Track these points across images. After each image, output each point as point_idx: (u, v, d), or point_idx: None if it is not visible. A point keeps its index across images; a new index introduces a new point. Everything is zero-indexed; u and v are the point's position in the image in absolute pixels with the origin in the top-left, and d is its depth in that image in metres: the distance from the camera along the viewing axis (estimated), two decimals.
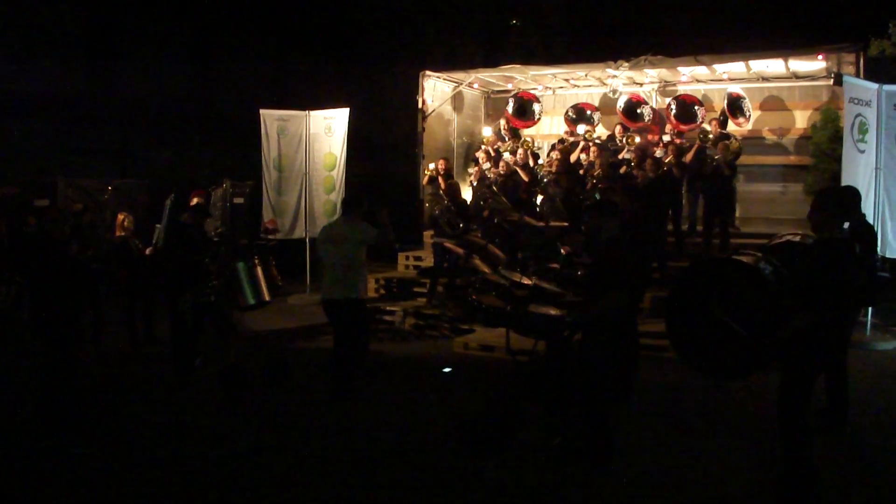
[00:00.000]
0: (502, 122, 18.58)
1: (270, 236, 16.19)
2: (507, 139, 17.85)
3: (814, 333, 6.23)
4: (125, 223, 12.69)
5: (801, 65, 15.90)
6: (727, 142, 15.14)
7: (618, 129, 17.22)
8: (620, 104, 17.55)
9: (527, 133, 18.57)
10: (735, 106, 16.41)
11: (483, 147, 17.56)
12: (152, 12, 26.00)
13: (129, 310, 12.77)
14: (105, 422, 8.99)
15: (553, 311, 9.15)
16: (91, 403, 9.57)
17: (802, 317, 6.15)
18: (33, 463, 7.66)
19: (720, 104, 16.79)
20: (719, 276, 6.85)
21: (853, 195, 8.39)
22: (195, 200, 12.75)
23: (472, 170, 17.58)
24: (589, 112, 18.39)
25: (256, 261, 10.93)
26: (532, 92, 18.86)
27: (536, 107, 18.74)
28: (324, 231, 10.01)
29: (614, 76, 17.06)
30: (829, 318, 6.21)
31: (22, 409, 9.00)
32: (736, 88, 16.68)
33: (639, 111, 17.59)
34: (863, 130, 12.68)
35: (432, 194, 16.50)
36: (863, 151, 12.68)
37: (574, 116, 18.29)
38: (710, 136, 15.45)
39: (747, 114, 16.51)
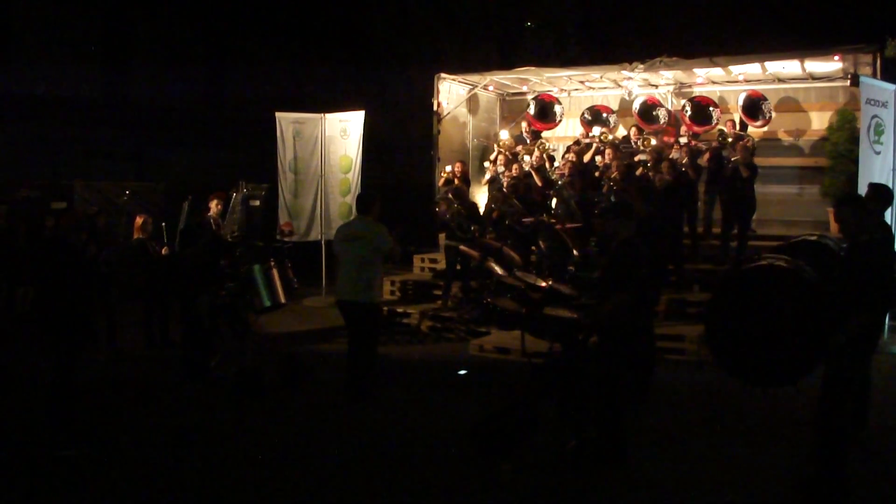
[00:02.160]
0: (524, 124, 18.54)
1: (286, 239, 16.23)
2: (528, 141, 17.81)
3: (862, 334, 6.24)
4: (144, 226, 12.72)
5: (817, 66, 15.81)
6: (744, 142, 15.10)
7: (633, 130, 17.18)
8: (636, 106, 17.51)
9: (544, 135, 18.52)
10: (752, 107, 16.34)
11: (500, 150, 17.48)
12: (168, 16, 26.12)
13: (146, 312, 12.82)
14: (117, 423, 9.03)
15: (568, 314, 9.15)
16: (103, 405, 9.62)
17: (861, 316, 6.14)
18: (38, 466, 7.70)
19: (736, 105, 16.70)
20: (760, 283, 6.79)
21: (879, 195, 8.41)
22: (214, 202, 12.78)
23: (488, 170, 17.53)
24: (605, 115, 18.35)
25: (272, 263, 10.97)
26: (553, 94, 18.85)
27: (558, 108, 18.67)
28: (340, 230, 10.08)
29: (629, 78, 17.00)
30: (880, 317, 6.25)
31: (35, 413, 9.02)
32: (753, 88, 16.62)
33: (654, 113, 17.56)
34: (879, 132, 12.64)
35: (442, 198, 16.48)
36: (879, 153, 12.63)
37: (590, 118, 18.25)
38: (729, 138, 15.38)
39: (766, 115, 16.38)
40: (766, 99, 16.36)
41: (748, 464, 7.53)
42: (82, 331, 8.81)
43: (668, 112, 17.49)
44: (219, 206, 12.90)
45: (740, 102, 16.37)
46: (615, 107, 18.47)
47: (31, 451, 8.07)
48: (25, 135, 21.75)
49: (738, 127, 16.00)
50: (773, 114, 16.38)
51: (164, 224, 12.82)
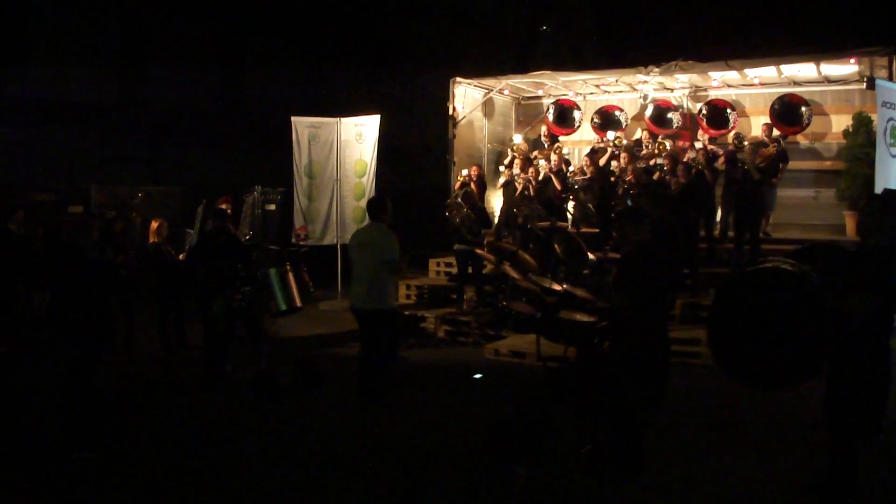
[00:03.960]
0: (542, 128, 18.54)
1: (302, 242, 16.28)
2: (546, 146, 17.82)
3: (864, 337, 6.22)
4: (159, 230, 12.78)
5: (833, 69, 15.77)
6: (762, 148, 15.05)
7: (644, 134, 17.16)
8: (649, 111, 17.51)
9: (561, 140, 18.53)
10: (789, 111, 16.27)
11: (515, 154, 17.47)
12: (184, 20, 26.20)
13: (162, 315, 12.86)
14: (134, 426, 9.07)
15: (584, 317, 9.15)
16: (120, 408, 9.66)
17: (871, 298, 6.14)
18: (56, 468, 7.75)
19: (765, 108, 16.69)
20: (766, 285, 6.79)
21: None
22: (223, 206, 12.82)
23: (503, 174, 17.56)
24: (616, 113, 18.34)
25: (288, 267, 11.01)
26: (571, 99, 18.85)
27: (577, 114, 18.72)
28: (354, 236, 10.05)
29: (645, 82, 17.01)
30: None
31: (52, 415, 9.06)
32: (792, 92, 16.64)
33: (668, 116, 17.54)
34: (894, 135, 12.58)
35: (450, 204, 16.48)
36: (895, 156, 12.58)
37: (599, 122, 18.25)
38: (745, 141, 15.34)
39: (804, 121, 16.30)
40: (807, 104, 16.27)
41: (763, 468, 7.52)
42: (96, 334, 8.83)
43: (682, 115, 17.48)
44: (228, 211, 12.95)
45: (775, 107, 16.31)
46: (631, 111, 18.48)
47: (49, 453, 8.12)
48: (42, 139, 21.84)
49: (772, 132, 15.94)
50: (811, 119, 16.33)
51: (190, 231, 12.86)
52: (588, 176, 15.85)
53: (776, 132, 16.10)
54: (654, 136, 16.86)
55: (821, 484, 6.55)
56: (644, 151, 16.58)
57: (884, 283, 6.24)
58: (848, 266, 6.55)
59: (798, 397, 8.54)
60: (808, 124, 16.34)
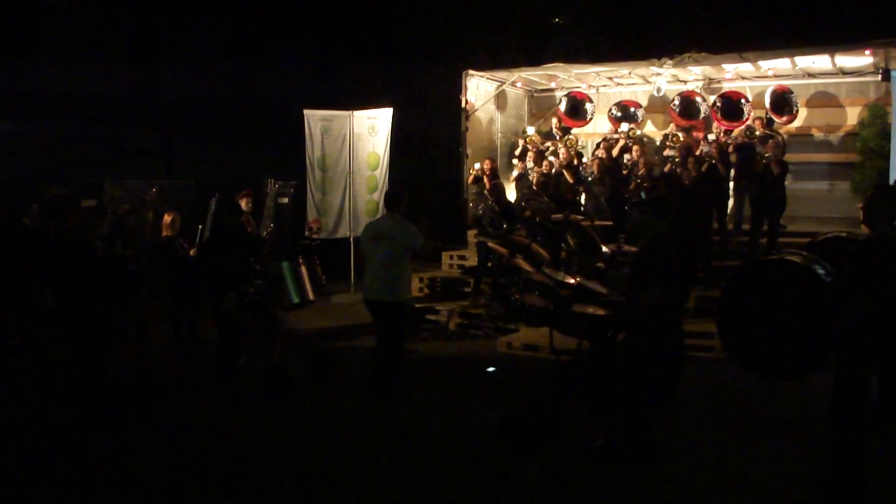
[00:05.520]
0: (554, 120, 18.51)
1: (315, 236, 16.29)
2: (557, 138, 17.79)
3: (870, 328, 6.16)
4: (172, 223, 12.79)
5: (847, 60, 15.66)
6: (774, 140, 14.97)
7: (672, 127, 17.09)
8: (676, 104, 17.39)
9: (573, 132, 18.48)
10: (780, 102, 16.22)
11: (530, 148, 17.47)
12: (197, 13, 26.23)
13: (175, 309, 12.89)
14: (149, 419, 9.09)
15: (597, 311, 9.13)
16: (135, 401, 9.68)
17: (864, 302, 6.08)
18: (74, 460, 7.77)
19: (762, 102, 16.59)
20: (772, 277, 6.77)
21: None
22: (244, 200, 12.84)
23: (516, 167, 17.56)
24: (633, 109, 18.28)
25: (301, 260, 11.02)
26: (584, 91, 18.80)
27: (589, 106, 18.65)
28: (368, 228, 10.02)
29: (658, 74, 16.93)
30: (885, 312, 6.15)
31: (71, 408, 9.08)
32: (782, 83, 16.50)
33: (696, 106, 17.40)
34: None
35: (476, 194, 16.49)
36: None
37: (618, 114, 18.19)
38: (757, 133, 15.27)
39: (794, 110, 16.26)
40: (791, 92, 16.22)
41: (775, 462, 7.49)
42: (105, 329, 8.83)
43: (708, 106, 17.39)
44: (249, 205, 12.97)
45: (767, 99, 16.25)
46: (644, 103, 18.42)
47: (64, 445, 8.14)
48: (56, 133, 21.91)
49: (765, 124, 15.88)
50: (801, 109, 16.26)
51: (200, 227, 12.86)
52: (598, 169, 15.81)
53: (779, 123, 16.07)
54: (679, 128, 16.82)
55: (832, 478, 6.50)
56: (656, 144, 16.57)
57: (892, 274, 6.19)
58: (857, 256, 6.51)
59: (811, 391, 8.49)
60: (797, 112, 16.27)
